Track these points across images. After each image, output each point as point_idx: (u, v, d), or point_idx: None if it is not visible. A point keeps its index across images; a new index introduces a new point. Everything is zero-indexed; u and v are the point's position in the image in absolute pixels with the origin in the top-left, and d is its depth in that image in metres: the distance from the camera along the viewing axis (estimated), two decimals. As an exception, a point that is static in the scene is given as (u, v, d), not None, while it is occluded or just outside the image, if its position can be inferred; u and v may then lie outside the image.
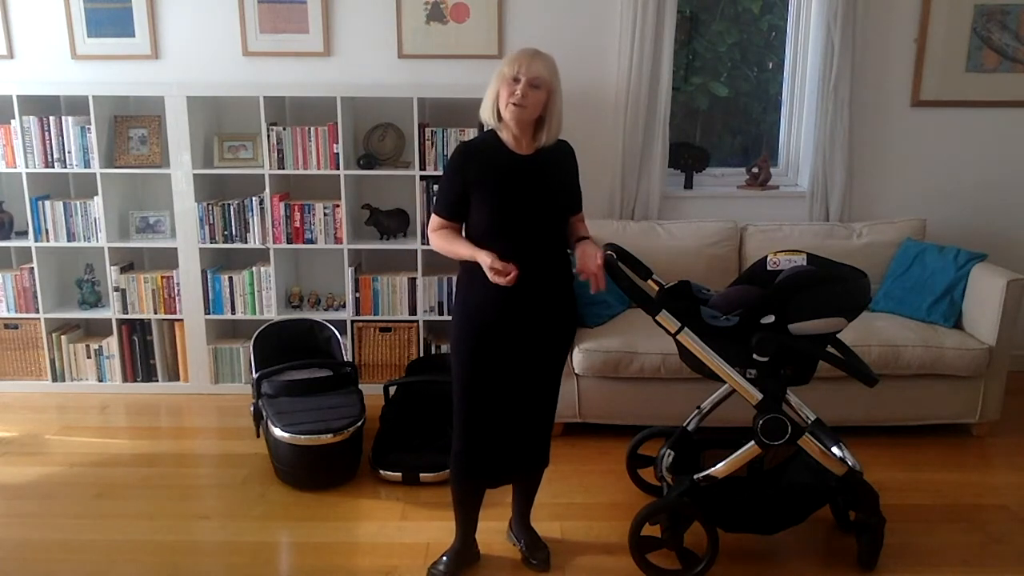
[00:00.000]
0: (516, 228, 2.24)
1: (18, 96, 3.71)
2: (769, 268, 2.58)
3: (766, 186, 4.12)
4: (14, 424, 3.63)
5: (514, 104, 2.18)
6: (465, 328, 2.31)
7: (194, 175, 3.79)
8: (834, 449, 2.48)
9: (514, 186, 2.24)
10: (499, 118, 2.26)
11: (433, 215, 2.35)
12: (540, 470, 2.54)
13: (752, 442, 2.39)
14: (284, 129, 3.76)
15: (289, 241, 3.87)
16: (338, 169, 3.77)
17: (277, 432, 3.00)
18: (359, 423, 3.11)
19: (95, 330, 4.13)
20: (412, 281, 3.89)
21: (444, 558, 2.50)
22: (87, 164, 3.79)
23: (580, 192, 2.43)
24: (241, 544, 2.69)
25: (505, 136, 2.27)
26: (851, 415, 3.35)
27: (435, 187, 3.78)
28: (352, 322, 3.94)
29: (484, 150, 2.27)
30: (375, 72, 3.95)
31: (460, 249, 2.26)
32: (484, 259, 2.15)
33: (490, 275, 2.14)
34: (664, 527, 2.48)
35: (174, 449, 3.41)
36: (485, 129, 2.33)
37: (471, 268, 2.30)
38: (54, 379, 4.02)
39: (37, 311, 3.94)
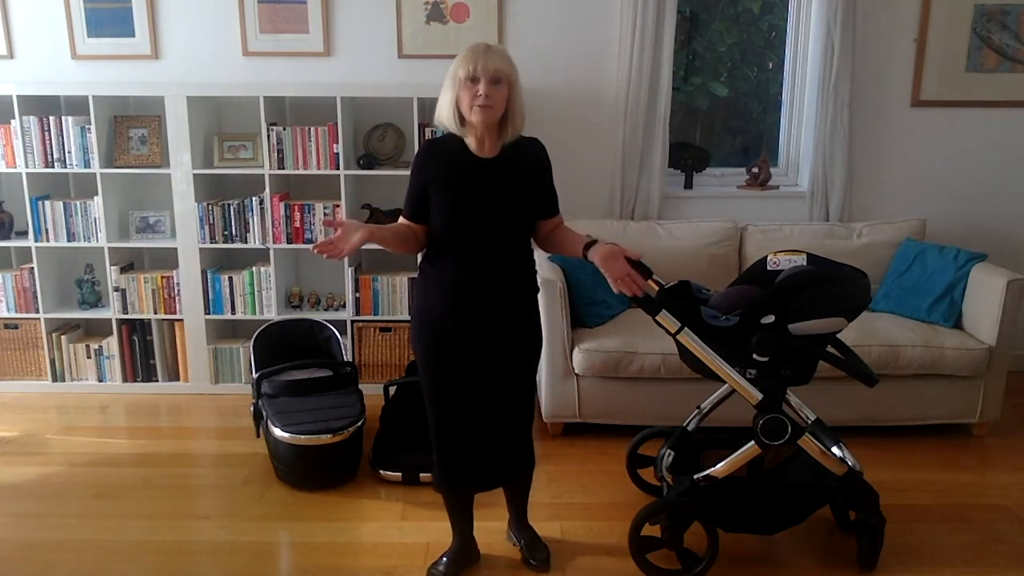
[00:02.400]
0: (473, 233, 2.19)
1: (18, 96, 3.71)
2: (769, 268, 2.58)
3: (766, 186, 4.12)
4: (14, 424, 3.63)
5: (480, 106, 2.09)
6: (424, 336, 2.28)
7: (194, 175, 3.79)
8: (834, 449, 2.48)
9: (470, 190, 2.17)
10: (461, 122, 2.17)
11: (400, 217, 2.30)
12: (526, 472, 2.51)
13: (752, 442, 2.39)
14: (284, 129, 3.76)
15: (289, 241, 3.87)
16: (338, 169, 3.77)
17: (277, 432, 3.00)
18: (359, 423, 3.11)
19: (95, 330, 4.13)
20: (412, 281, 3.89)
21: (444, 558, 2.50)
22: (87, 164, 3.79)
23: (554, 193, 2.35)
24: (241, 544, 2.69)
25: (468, 140, 2.20)
26: (851, 415, 3.35)
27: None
28: (352, 322, 3.94)
29: (446, 151, 2.21)
30: (375, 72, 3.95)
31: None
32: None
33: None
34: (664, 527, 2.48)
35: (174, 449, 3.41)
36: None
37: (428, 272, 2.27)
38: (54, 379, 4.02)
39: (37, 311, 3.94)
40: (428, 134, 3.73)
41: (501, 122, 2.19)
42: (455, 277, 2.22)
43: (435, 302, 2.25)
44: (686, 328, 2.36)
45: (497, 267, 2.24)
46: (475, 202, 2.18)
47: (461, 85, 2.12)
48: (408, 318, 3.91)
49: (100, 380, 4.02)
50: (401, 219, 2.29)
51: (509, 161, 2.22)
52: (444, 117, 2.19)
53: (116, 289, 3.91)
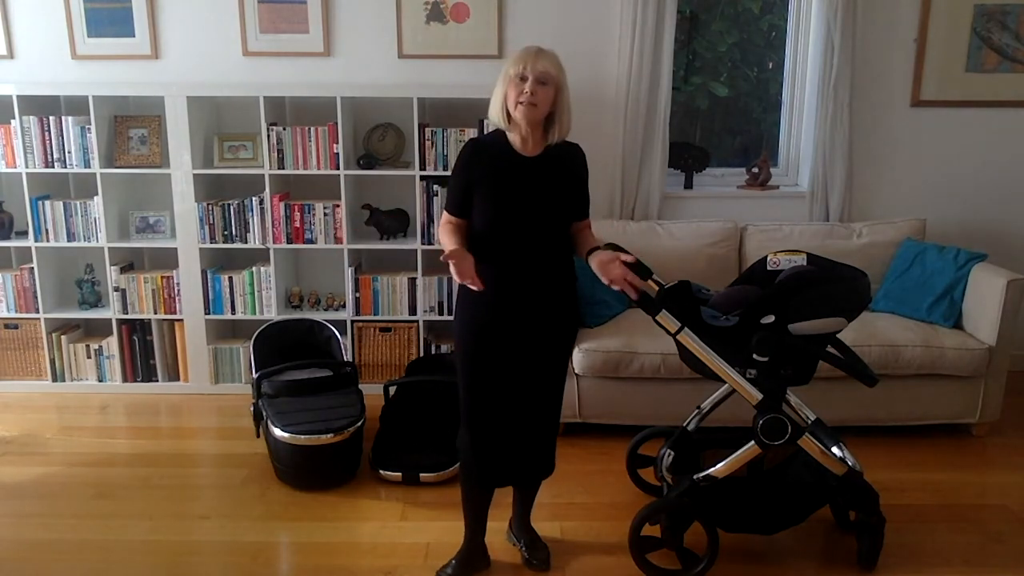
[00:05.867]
0: (514, 229, 2.24)
1: (18, 96, 3.71)
2: (769, 268, 2.58)
3: (766, 186, 4.12)
4: (14, 424, 3.63)
5: (524, 104, 2.17)
6: (464, 327, 2.32)
7: (194, 175, 3.79)
8: (834, 449, 2.48)
9: (513, 188, 2.23)
10: (508, 119, 2.25)
11: (444, 212, 2.36)
12: (544, 476, 2.53)
13: (752, 442, 2.39)
14: (284, 129, 3.76)
15: (289, 241, 3.87)
16: (338, 169, 3.77)
17: (277, 432, 3.00)
18: (359, 423, 3.11)
19: (95, 330, 4.13)
20: (412, 281, 3.89)
21: (452, 561, 2.49)
22: (87, 164, 3.79)
23: (587, 198, 2.40)
24: (241, 544, 2.69)
25: (512, 137, 2.27)
26: (851, 415, 3.35)
27: (435, 187, 3.78)
28: (352, 322, 3.94)
29: (491, 149, 2.27)
30: (375, 72, 3.95)
31: (446, 243, 2.25)
32: (446, 256, 2.13)
33: (456, 271, 2.12)
34: (664, 527, 2.48)
35: (174, 449, 3.40)
36: (488, 130, 2.33)
37: None
38: (54, 379, 4.02)
39: (37, 311, 3.94)
40: (428, 134, 3.73)
41: (546, 123, 2.26)
42: (496, 270, 2.25)
43: (477, 294, 2.27)
44: (686, 328, 2.36)
45: (537, 261, 2.27)
46: (516, 197, 2.23)
47: (511, 83, 2.20)
48: (408, 318, 3.91)
49: (100, 380, 4.02)
50: (445, 215, 2.33)
51: (550, 160, 2.29)
52: (494, 112, 2.27)
53: (116, 289, 3.91)
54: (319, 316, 3.86)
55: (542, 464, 2.48)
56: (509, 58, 2.24)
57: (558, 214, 2.30)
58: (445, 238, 2.28)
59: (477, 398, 2.33)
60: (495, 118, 2.26)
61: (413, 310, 3.91)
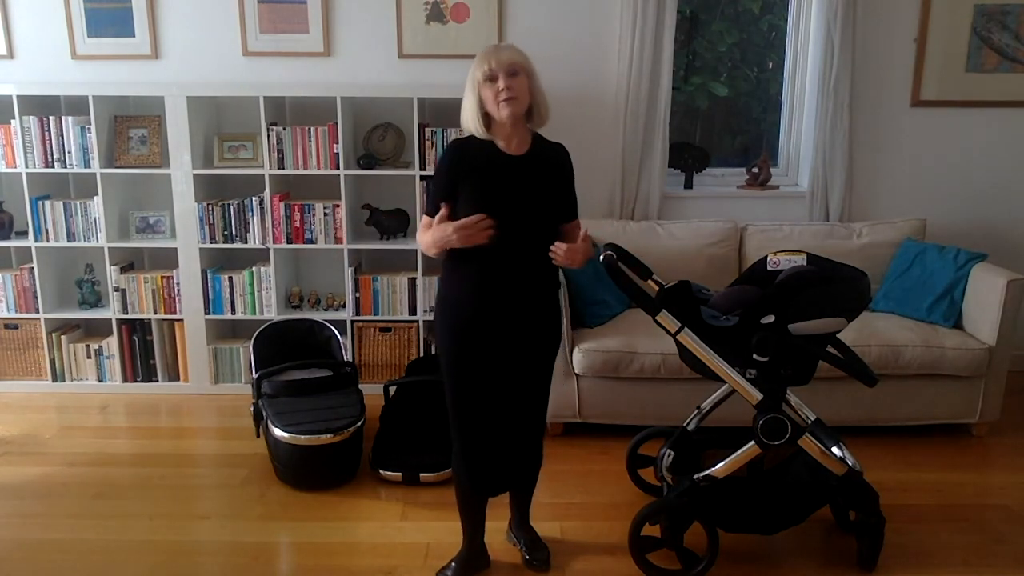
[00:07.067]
0: (502, 229, 2.20)
1: (18, 96, 3.71)
2: (769, 268, 2.58)
3: (766, 186, 4.12)
4: (14, 424, 3.63)
5: (505, 100, 2.14)
6: (447, 331, 2.30)
7: (194, 175, 3.79)
8: (834, 449, 2.48)
9: (502, 186, 2.20)
10: (487, 125, 2.21)
11: (424, 216, 2.32)
12: (535, 472, 2.52)
13: (752, 442, 2.39)
14: (284, 129, 3.76)
15: (289, 241, 3.87)
16: (338, 169, 3.77)
17: (277, 432, 3.00)
18: (359, 423, 3.11)
19: (95, 330, 4.13)
20: (412, 281, 3.89)
21: (452, 564, 2.49)
22: (87, 164, 3.79)
23: (575, 199, 2.38)
24: (241, 544, 2.69)
25: (498, 141, 2.24)
26: (851, 415, 3.35)
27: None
28: (352, 322, 3.94)
29: (476, 149, 2.24)
30: (375, 72, 3.95)
31: (428, 237, 2.22)
32: (447, 228, 2.14)
33: (462, 237, 2.13)
34: (664, 527, 2.48)
35: (174, 449, 3.41)
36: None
37: (450, 266, 2.29)
38: (54, 379, 4.02)
39: (37, 311, 3.94)
40: (428, 134, 3.73)
41: (527, 116, 2.24)
42: (479, 268, 2.23)
43: (458, 292, 2.27)
44: (686, 328, 2.36)
45: (521, 260, 2.25)
46: (506, 195, 2.20)
47: (482, 86, 2.17)
48: (408, 318, 3.91)
49: (100, 380, 4.02)
50: (427, 220, 2.29)
51: (537, 159, 2.27)
52: (469, 122, 2.22)
53: (116, 289, 3.91)
54: (319, 316, 3.86)
55: (530, 463, 2.47)
56: (472, 64, 2.20)
57: (547, 213, 2.28)
58: (430, 233, 2.23)
59: (464, 402, 2.31)
60: (471, 127, 2.22)
61: (413, 310, 3.91)
